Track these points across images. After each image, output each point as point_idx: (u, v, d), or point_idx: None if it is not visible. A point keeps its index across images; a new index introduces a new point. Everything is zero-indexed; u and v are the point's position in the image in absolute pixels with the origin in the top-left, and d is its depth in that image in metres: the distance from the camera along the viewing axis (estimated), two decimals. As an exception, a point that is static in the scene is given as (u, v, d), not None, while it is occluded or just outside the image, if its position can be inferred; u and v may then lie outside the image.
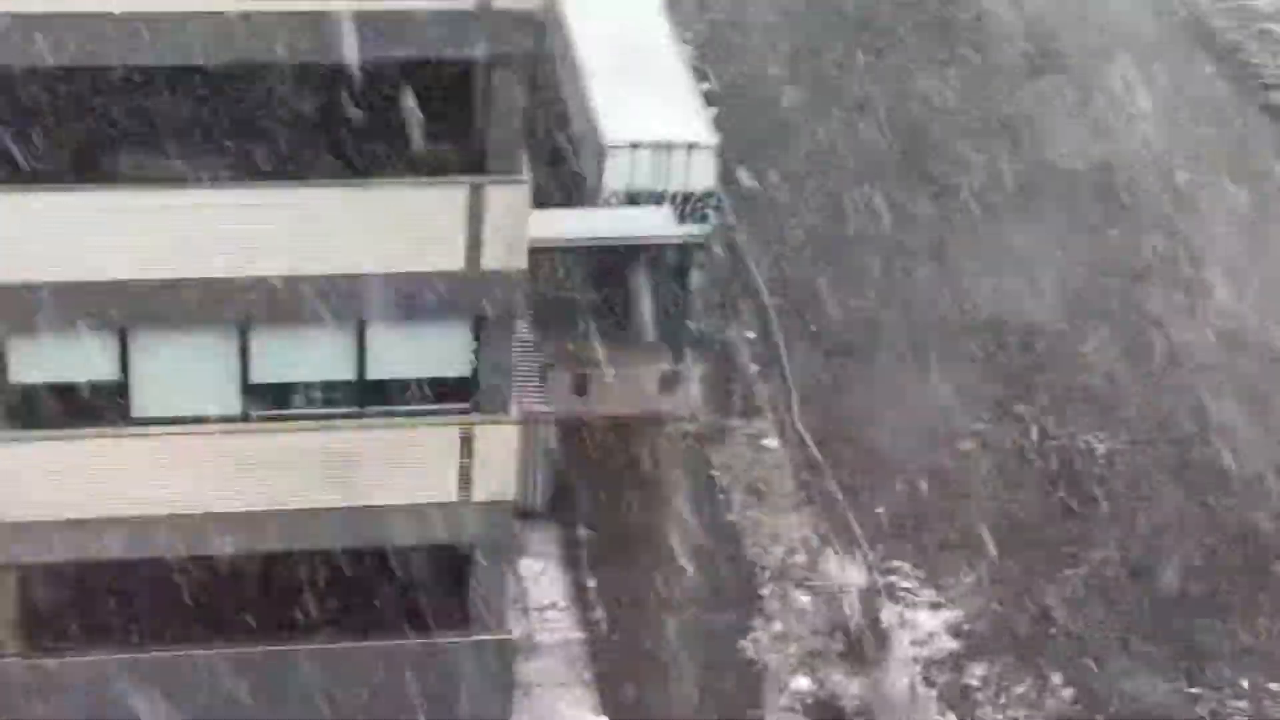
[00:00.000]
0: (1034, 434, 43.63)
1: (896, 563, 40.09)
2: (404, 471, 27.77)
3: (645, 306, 42.90)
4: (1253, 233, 50.68)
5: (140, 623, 28.37)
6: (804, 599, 39.27)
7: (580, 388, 42.81)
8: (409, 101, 26.32)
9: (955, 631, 38.59)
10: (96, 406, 26.91)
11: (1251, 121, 55.93)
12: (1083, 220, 50.73)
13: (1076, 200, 51.45)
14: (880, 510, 41.37)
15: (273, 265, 26.40)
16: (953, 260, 48.91)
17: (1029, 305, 47.17)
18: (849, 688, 37.22)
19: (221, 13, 24.73)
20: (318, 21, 25.01)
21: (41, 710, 28.24)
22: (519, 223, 26.77)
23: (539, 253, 37.37)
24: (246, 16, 24.80)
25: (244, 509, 27.53)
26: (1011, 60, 57.63)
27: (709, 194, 45.36)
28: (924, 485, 42.06)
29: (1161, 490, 42.16)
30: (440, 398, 27.84)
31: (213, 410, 27.32)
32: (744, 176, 50.70)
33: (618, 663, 37.00)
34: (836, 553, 39.96)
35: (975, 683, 37.53)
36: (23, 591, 27.71)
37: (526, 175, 26.88)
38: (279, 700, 28.81)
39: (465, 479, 28.01)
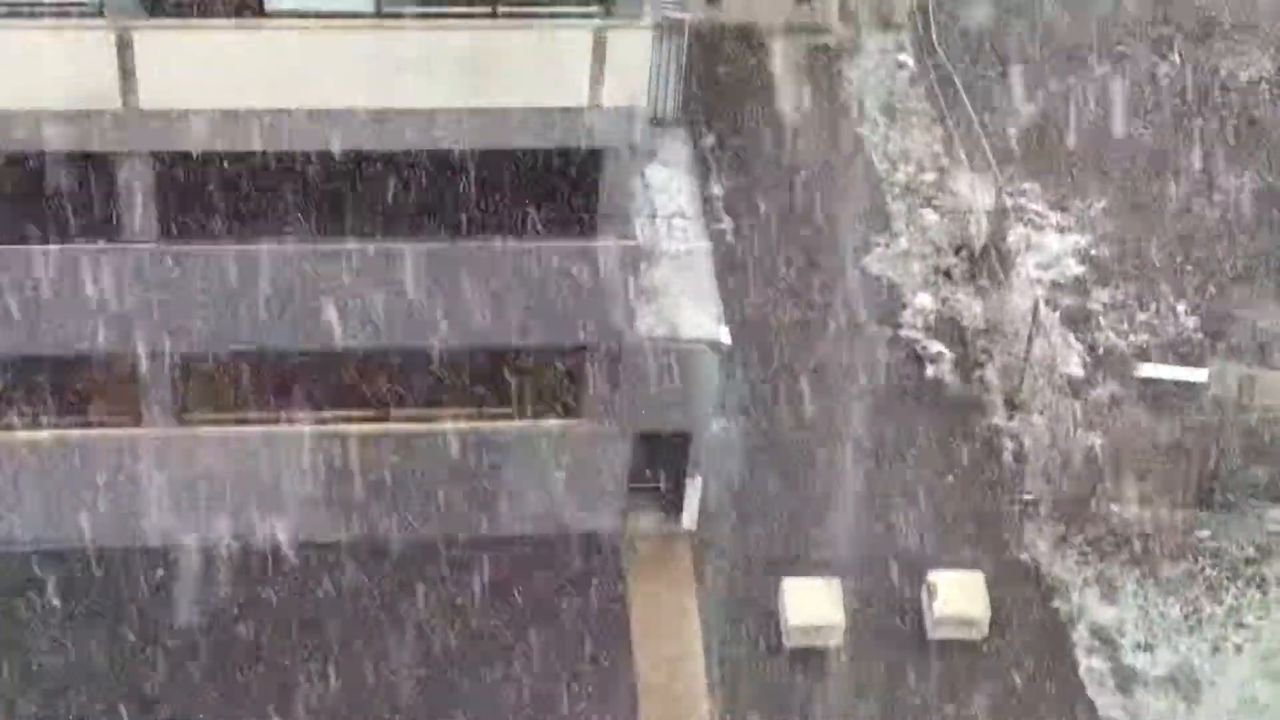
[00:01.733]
0: (1175, 58, 42.84)
1: (1026, 185, 39.84)
2: (536, 73, 27.67)
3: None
4: None
5: (271, 218, 28.71)
6: (931, 217, 39.21)
7: (715, -5, 42.34)
8: None
9: (1081, 256, 38.50)
10: (233, -2, 26.98)
11: None
12: None
13: None
14: (1013, 131, 40.99)
15: None
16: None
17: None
18: (972, 307, 37.38)
19: None
20: None
21: (170, 298, 28.88)
22: None
23: None
24: None
25: (377, 107, 27.63)
26: None
27: None
28: (1058, 106, 41.56)
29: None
30: (575, 0, 27.62)
31: (348, 6, 27.25)
32: None
33: (742, 272, 37.30)
34: (966, 172, 39.75)
35: (1098, 307, 37.55)
36: (159, 182, 28.10)
37: None
38: (398, 297, 29.26)
39: (597, 83, 27.91)
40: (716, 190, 38.90)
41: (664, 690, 30.71)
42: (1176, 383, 35.60)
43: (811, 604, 31.46)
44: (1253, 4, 44.00)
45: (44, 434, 30.36)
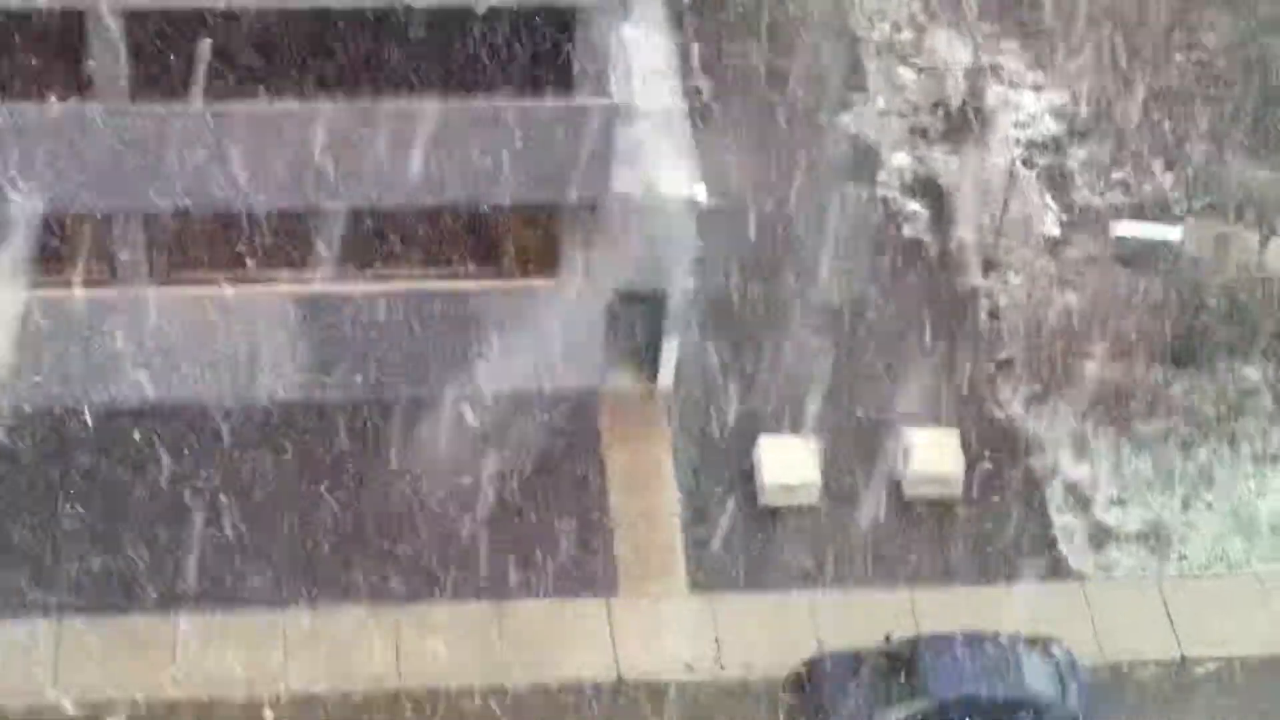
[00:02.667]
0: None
1: (1004, 43, 39.67)
2: (510, -70, 27.52)
3: None
4: None
5: (246, 78, 28.50)
6: (908, 76, 39.07)
7: None
8: None
9: (1059, 114, 38.42)
10: None
11: None
12: None
13: None
14: (991, -13, 40.80)
15: None
16: None
17: None
18: (948, 165, 37.34)
19: None
20: None
21: (144, 159, 28.79)
22: None
23: None
24: None
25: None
26: None
27: None
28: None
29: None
30: None
31: None
32: None
33: (718, 131, 37.18)
34: (944, 30, 39.54)
35: (1075, 165, 37.54)
36: (130, 44, 27.88)
37: None
38: (374, 157, 29.14)
39: (571, -62, 27.76)
40: (693, 48, 38.69)
41: (640, 544, 30.96)
42: (1152, 241, 35.66)
43: (787, 462, 31.65)
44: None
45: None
